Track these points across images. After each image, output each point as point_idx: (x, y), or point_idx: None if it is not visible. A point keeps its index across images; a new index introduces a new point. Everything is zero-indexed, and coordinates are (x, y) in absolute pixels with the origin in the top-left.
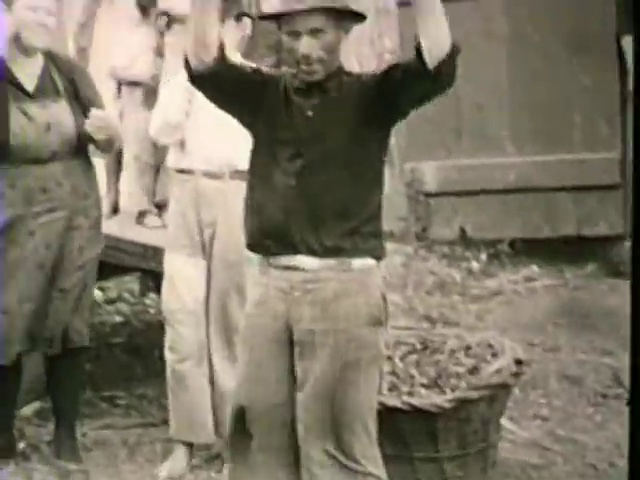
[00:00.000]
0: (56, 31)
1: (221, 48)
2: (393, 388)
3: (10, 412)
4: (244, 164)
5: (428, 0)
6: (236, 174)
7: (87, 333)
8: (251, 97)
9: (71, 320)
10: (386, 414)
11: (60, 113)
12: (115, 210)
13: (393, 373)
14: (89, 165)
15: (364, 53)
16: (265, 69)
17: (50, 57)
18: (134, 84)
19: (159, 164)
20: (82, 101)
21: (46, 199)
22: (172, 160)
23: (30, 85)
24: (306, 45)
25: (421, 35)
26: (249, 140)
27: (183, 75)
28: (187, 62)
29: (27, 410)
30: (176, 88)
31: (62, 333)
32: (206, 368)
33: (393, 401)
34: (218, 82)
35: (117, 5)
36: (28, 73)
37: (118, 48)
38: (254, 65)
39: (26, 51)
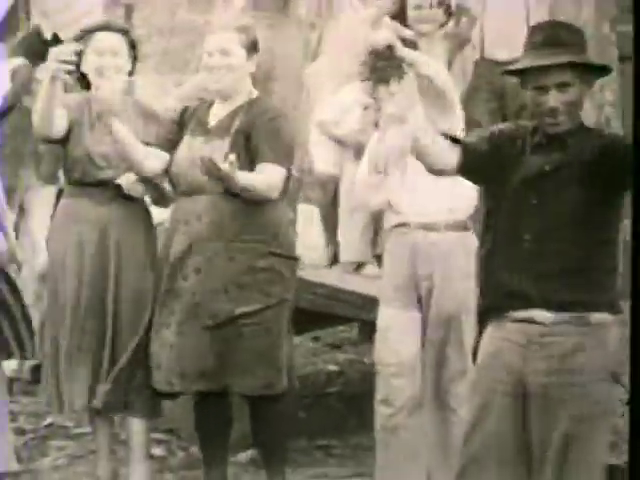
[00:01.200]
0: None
1: None
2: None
3: (223, 457)
4: (460, 215)
5: None
6: (452, 225)
7: (282, 380)
8: (496, 158)
9: (256, 365)
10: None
11: (216, 149)
12: (334, 260)
13: None
14: (246, 207)
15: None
16: (504, 126)
17: (254, 101)
18: (347, 136)
19: (379, 216)
20: (251, 149)
21: (186, 232)
22: (387, 218)
23: (213, 121)
24: (554, 99)
25: None
26: (464, 190)
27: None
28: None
29: (242, 457)
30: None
31: (249, 377)
32: (419, 420)
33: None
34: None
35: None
36: (219, 111)
37: (329, 102)
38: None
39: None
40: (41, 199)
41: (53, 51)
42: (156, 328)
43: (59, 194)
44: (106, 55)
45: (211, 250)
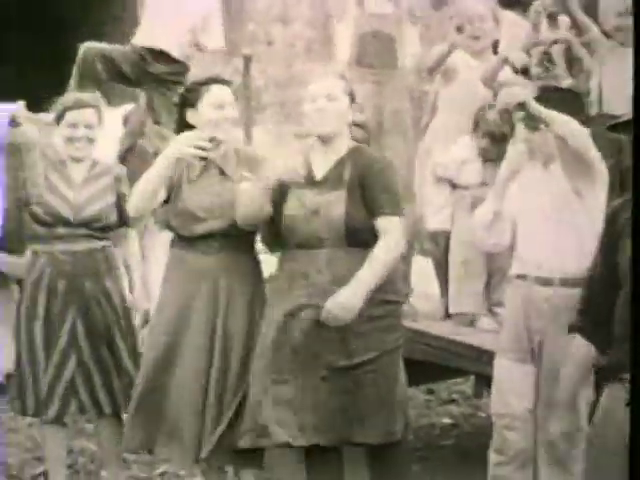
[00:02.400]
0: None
1: None
2: None
3: None
4: (576, 271)
5: None
6: (567, 281)
7: (400, 426)
8: None
9: (376, 413)
10: None
11: (333, 202)
12: (449, 312)
13: None
14: (362, 259)
15: None
16: None
17: (355, 150)
18: (464, 188)
19: (493, 268)
20: (367, 200)
21: (306, 285)
22: (511, 266)
23: (320, 173)
24: None
25: None
26: (584, 247)
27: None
28: None
29: None
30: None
31: (369, 426)
32: (529, 473)
33: None
34: None
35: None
36: (323, 161)
37: (448, 154)
38: None
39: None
40: (157, 244)
41: (187, 136)
42: (264, 383)
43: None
44: (225, 107)
45: None
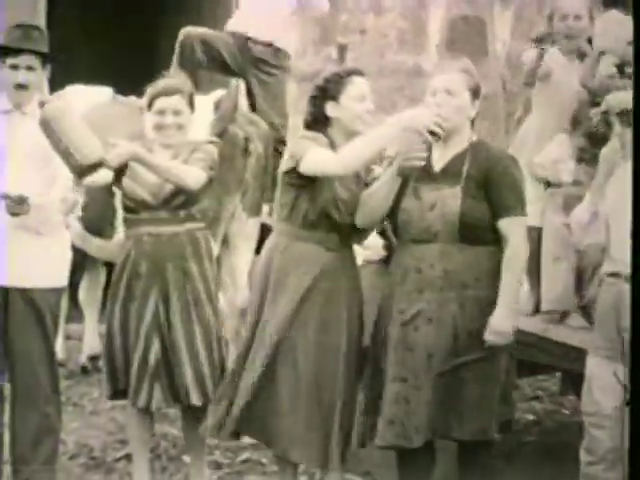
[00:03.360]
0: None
1: None
2: None
3: None
4: None
5: None
6: None
7: (495, 425)
8: None
9: (476, 411)
10: None
11: (449, 197)
12: (537, 309)
13: None
14: (477, 255)
15: None
16: None
17: (476, 145)
18: (556, 186)
19: (585, 266)
20: (492, 199)
21: (418, 280)
22: (603, 264)
23: (438, 166)
24: None
25: None
26: None
27: None
28: None
29: None
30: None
31: (468, 422)
32: (620, 473)
33: None
34: None
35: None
36: (441, 155)
37: (543, 150)
38: None
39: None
40: (245, 232)
41: (424, 112)
42: (379, 381)
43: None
44: (366, 99)
45: (444, 299)
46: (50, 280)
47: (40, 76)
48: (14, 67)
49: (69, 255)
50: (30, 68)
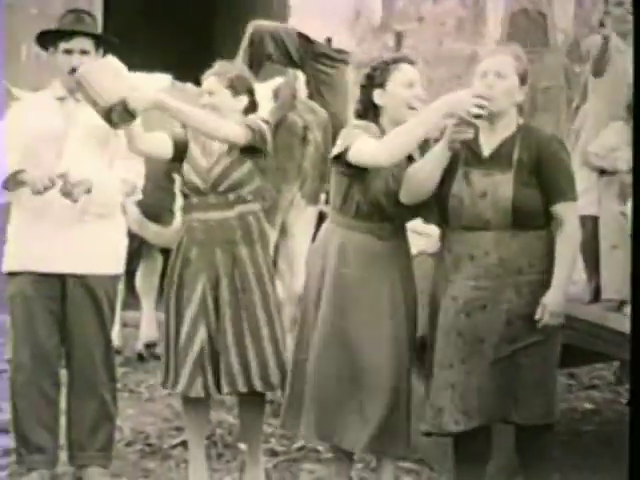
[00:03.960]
0: None
1: None
2: None
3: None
4: None
5: None
6: None
7: (556, 409)
8: None
9: (535, 395)
10: None
11: (500, 183)
12: (596, 297)
13: None
14: (529, 240)
15: None
16: None
17: (524, 129)
18: (611, 174)
19: None
20: (544, 184)
21: (472, 267)
22: None
23: (487, 151)
24: None
25: None
26: None
27: None
28: None
29: None
30: None
31: (528, 407)
32: None
33: None
34: None
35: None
36: (489, 139)
37: (598, 137)
38: None
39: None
40: (303, 220)
41: (465, 94)
42: (427, 368)
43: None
44: (415, 86)
45: (500, 285)
46: (107, 267)
47: (93, 59)
48: (68, 52)
49: (125, 241)
50: (84, 52)
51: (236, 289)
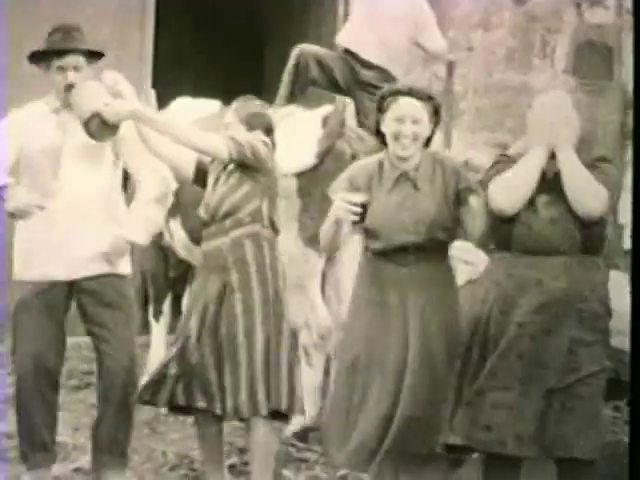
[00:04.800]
0: None
1: None
2: None
3: None
4: None
5: None
6: None
7: (601, 444)
8: None
9: (587, 428)
10: None
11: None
12: None
13: None
14: (592, 267)
15: None
16: None
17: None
18: None
19: None
20: None
21: (539, 292)
22: None
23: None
24: None
25: None
26: None
27: None
28: None
29: None
30: None
31: (579, 440)
32: None
33: None
34: None
35: None
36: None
37: None
38: None
39: None
40: (349, 247)
41: (342, 197)
42: (476, 389)
43: None
44: (406, 122)
45: (565, 311)
46: (116, 267)
47: (86, 74)
48: (61, 69)
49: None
50: (76, 68)
51: (219, 316)
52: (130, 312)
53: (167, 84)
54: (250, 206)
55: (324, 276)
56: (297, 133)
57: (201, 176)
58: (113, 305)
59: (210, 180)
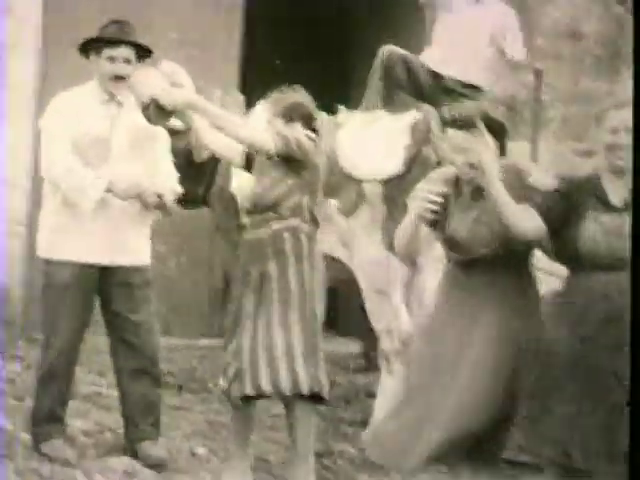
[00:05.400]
0: None
1: None
2: None
3: None
4: None
5: None
6: None
7: None
8: None
9: None
10: None
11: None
12: None
13: None
14: None
15: None
16: None
17: None
18: None
19: None
20: None
21: (607, 309)
22: None
23: (616, 199)
24: None
25: None
26: None
27: None
28: None
29: None
30: None
31: None
32: None
33: None
34: None
35: None
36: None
37: None
38: None
39: None
40: (434, 254)
41: (420, 186)
42: (541, 404)
43: None
44: (458, 154)
45: (627, 324)
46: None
47: (134, 69)
48: (111, 59)
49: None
50: (127, 61)
51: (260, 304)
52: (151, 297)
53: (253, 88)
54: (292, 200)
55: (408, 283)
56: (385, 139)
57: (251, 164)
58: (139, 288)
59: (255, 170)
